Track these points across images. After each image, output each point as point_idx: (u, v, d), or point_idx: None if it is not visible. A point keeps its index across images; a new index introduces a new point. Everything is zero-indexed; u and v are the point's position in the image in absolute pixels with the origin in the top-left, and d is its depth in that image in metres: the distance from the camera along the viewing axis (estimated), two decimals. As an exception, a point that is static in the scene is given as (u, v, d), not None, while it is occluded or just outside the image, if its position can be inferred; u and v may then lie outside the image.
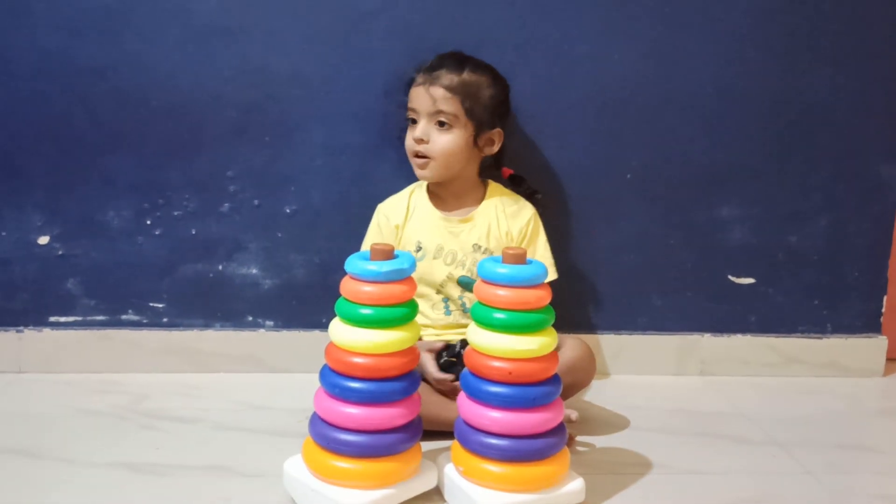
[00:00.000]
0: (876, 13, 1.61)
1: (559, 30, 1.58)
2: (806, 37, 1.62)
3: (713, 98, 1.62)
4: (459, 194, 1.49)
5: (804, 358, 1.71)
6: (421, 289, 1.46)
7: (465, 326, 1.44)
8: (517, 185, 1.54)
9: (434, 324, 1.48)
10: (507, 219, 1.49)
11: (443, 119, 1.42)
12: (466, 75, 1.43)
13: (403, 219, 1.49)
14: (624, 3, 1.58)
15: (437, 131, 1.43)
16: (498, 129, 1.47)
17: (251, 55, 1.54)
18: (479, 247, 1.47)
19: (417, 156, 1.45)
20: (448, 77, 1.42)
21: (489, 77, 1.45)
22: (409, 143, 1.45)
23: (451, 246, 1.47)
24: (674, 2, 1.58)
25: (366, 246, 1.48)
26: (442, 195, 1.50)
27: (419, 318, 1.43)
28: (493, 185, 1.52)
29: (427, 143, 1.43)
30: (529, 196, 1.53)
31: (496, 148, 1.48)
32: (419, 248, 1.47)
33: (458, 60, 1.45)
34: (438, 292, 1.47)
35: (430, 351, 1.39)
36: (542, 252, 1.51)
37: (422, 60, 1.47)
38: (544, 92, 1.58)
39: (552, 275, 1.49)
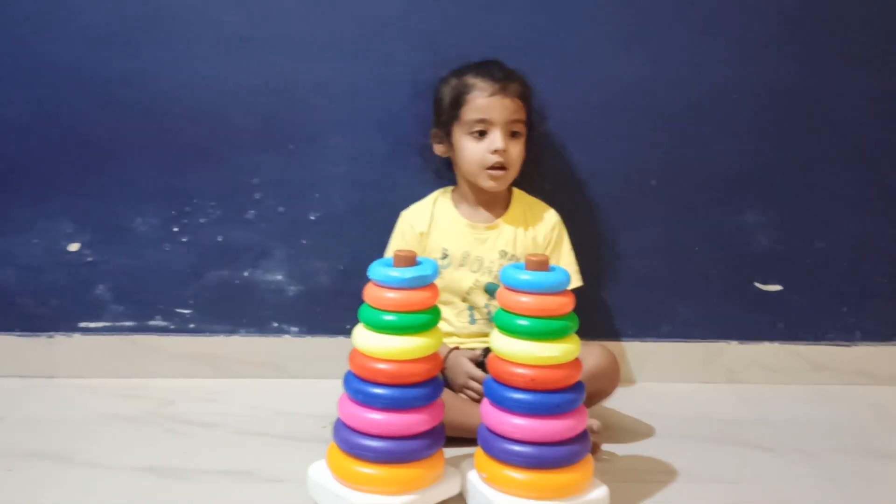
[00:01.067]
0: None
1: (579, 35, 1.57)
2: (830, 39, 1.60)
3: (737, 102, 1.61)
4: (490, 201, 1.49)
5: (832, 365, 1.69)
6: (446, 296, 1.46)
7: (488, 335, 1.44)
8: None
9: (458, 332, 1.47)
10: (533, 225, 1.49)
11: (517, 128, 1.42)
12: (523, 81, 1.44)
13: (428, 226, 1.49)
14: (644, 8, 1.57)
15: (510, 141, 1.42)
16: (534, 136, 1.48)
17: (275, 64, 1.55)
18: (506, 253, 1.46)
19: (495, 167, 1.42)
20: (514, 86, 1.42)
21: (523, 80, 1.46)
22: (485, 155, 1.41)
23: (478, 252, 1.46)
24: (695, 6, 1.57)
25: (389, 254, 1.49)
26: (472, 202, 1.49)
27: (443, 326, 1.44)
28: (518, 192, 1.52)
29: (507, 152, 1.41)
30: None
31: (537, 152, 1.49)
32: (445, 256, 1.47)
33: (505, 68, 1.44)
34: (464, 300, 1.47)
35: (470, 359, 1.40)
36: (566, 258, 1.50)
37: (457, 68, 1.45)
38: (565, 98, 1.58)
39: (577, 281, 1.49)
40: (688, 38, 1.58)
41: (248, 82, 1.55)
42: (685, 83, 1.60)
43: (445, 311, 1.46)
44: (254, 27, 1.54)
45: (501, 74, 1.42)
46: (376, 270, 1.12)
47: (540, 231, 1.49)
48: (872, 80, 1.62)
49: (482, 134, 1.41)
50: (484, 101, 1.40)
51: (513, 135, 1.42)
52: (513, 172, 1.44)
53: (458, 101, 1.42)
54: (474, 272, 1.46)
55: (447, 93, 1.45)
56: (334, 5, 1.54)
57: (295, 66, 1.55)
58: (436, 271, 1.14)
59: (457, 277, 1.46)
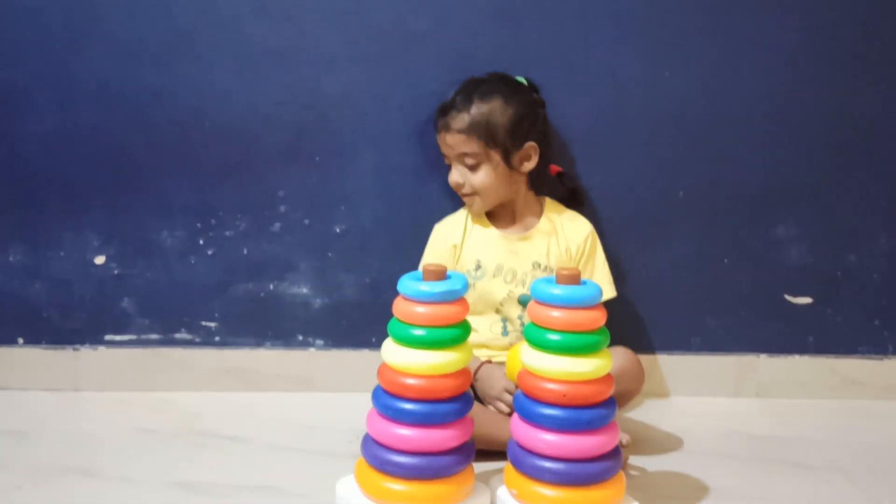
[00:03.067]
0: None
1: (609, 50, 1.56)
2: (860, 51, 1.58)
3: (767, 116, 1.59)
4: (515, 213, 1.50)
5: (865, 380, 1.66)
6: (479, 307, 1.46)
7: None
8: (563, 182, 1.54)
9: (489, 343, 1.46)
10: (566, 236, 1.48)
11: (469, 160, 1.43)
12: (475, 109, 1.42)
13: (461, 238, 1.49)
14: (673, 23, 1.56)
15: (468, 172, 1.44)
16: (530, 143, 1.45)
17: (303, 77, 1.55)
18: (539, 264, 1.46)
19: (462, 194, 1.47)
20: (459, 119, 1.42)
21: (501, 100, 1.43)
22: (450, 184, 1.48)
23: (511, 264, 1.46)
24: (724, 20, 1.56)
25: (423, 266, 1.49)
26: (499, 214, 1.50)
27: (475, 338, 1.43)
28: (550, 202, 1.52)
29: (464, 184, 1.45)
30: (573, 193, 1.54)
31: (534, 161, 1.46)
32: (478, 267, 1.47)
33: (467, 95, 1.43)
34: (497, 312, 1.46)
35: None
36: (600, 269, 1.50)
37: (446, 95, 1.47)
38: (595, 113, 1.57)
39: (611, 292, 1.48)
40: (717, 52, 1.57)
41: (275, 96, 1.56)
42: (715, 97, 1.58)
43: (478, 323, 1.45)
44: (282, 41, 1.54)
45: (449, 106, 1.44)
46: (405, 284, 1.12)
47: (573, 241, 1.48)
48: (904, 91, 1.60)
49: (450, 165, 1.47)
50: (438, 137, 1.47)
51: (470, 166, 1.44)
52: (485, 198, 1.45)
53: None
54: (508, 283, 1.46)
55: None
56: (362, 19, 1.54)
57: (323, 79, 1.56)
58: (465, 285, 1.13)
59: (490, 289, 1.46)
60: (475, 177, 1.44)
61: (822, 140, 1.61)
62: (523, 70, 1.53)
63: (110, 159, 1.57)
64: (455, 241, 1.49)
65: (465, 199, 1.48)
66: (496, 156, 1.43)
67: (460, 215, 1.52)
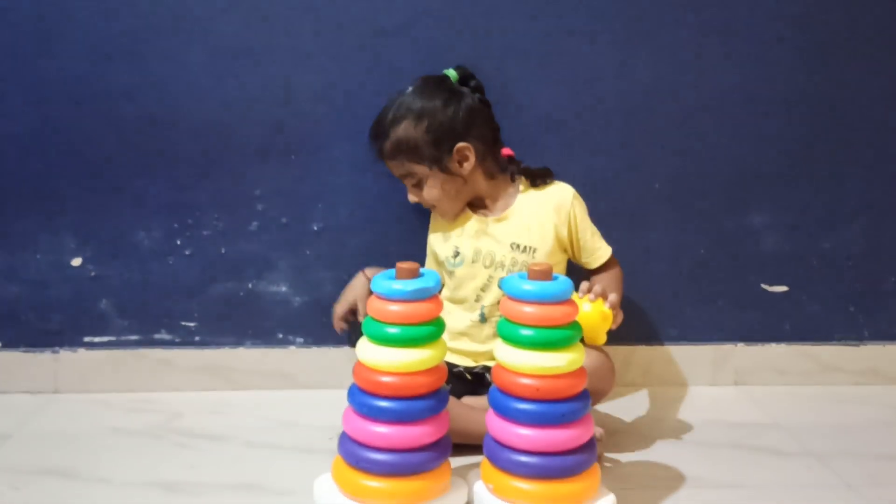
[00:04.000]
0: (907, 12, 1.59)
1: (582, 41, 1.57)
2: (833, 37, 1.59)
3: (740, 104, 1.60)
4: (490, 199, 1.48)
5: (841, 366, 1.68)
6: (461, 295, 1.46)
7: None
8: (512, 166, 1.49)
9: (469, 332, 1.45)
10: (547, 207, 1.45)
11: (410, 180, 1.45)
12: (392, 134, 1.42)
13: (440, 225, 1.51)
14: (646, 13, 1.57)
15: (416, 189, 1.46)
16: (460, 145, 1.41)
17: (276, 74, 1.55)
18: (518, 245, 1.44)
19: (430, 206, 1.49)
20: (384, 148, 1.44)
21: (410, 118, 1.41)
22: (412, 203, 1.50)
23: (489, 247, 1.45)
24: (696, 9, 1.57)
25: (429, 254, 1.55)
26: (474, 203, 1.49)
27: (455, 326, 1.44)
28: (526, 182, 1.48)
29: (419, 201, 1.47)
30: (529, 174, 1.49)
31: (472, 160, 1.42)
32: (457, 254, 1.46)
33: (379, 124, 1.45)
34: (478, 300, 1.45)
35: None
36: (591, 228, 1.48)
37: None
38: (569, 104, 1.58)
39: (608, 249, 1.49)
40: (691, 41, 1.58)
41: (249, 93, 1.55)
42: (688, 87, 1.59)
43: (457, 312, 1.46)
44: (254, 38, 1.54)
45: (373, 137, 1.46)
46: (379, 283, 1.12)
47: (562, 208, 1.45)
48: (877, 80, 1.61)
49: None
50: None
51: (416, 184, 1.45)
52: (442, 205, 1.46)
53: None
54: (487, 268, 1.44)
55: None
56: (335, 14, 1.54)
57: (297, 76, 1.55)
58: (438, 283, 1.13)
59: (470, 274, 1.45)
60: (424, 193, 1.45)
61: (795, 128, 1.62)
62: (496, 63, 1.53)
63: (84, 160, 1.56)
64: (436, 225, 1.52)
65: (433, 212, 1.51)
66: (430, 169, 1.43)
67: None
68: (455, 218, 1.48)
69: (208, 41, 1.54)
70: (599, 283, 1.31)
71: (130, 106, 1.55)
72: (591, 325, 1.24)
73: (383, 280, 1.12)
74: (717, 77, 1.59)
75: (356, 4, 1.54)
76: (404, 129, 1.42)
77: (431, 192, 1.45)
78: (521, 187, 1.48)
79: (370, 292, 1.19)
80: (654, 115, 1.60)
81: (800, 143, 1.63)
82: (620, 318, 1.30)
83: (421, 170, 1.43)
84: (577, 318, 1.18)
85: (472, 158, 1.43)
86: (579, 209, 1.47)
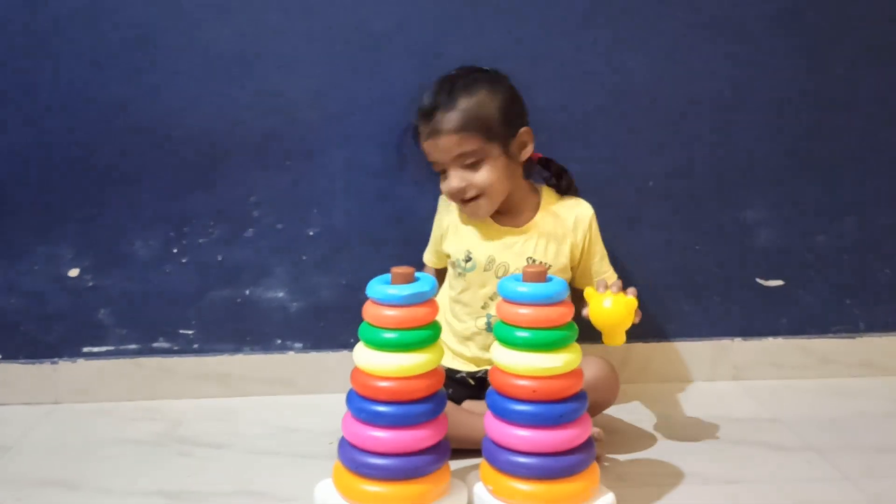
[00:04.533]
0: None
1: (573, 41, 1.57)
2: (824, 33, 1.60)
3: (732, 99, 1.61)
4: (513, 205, 1.41)
5: (838, 358, 1.69)
6: (467, 299, 1.42)
7: None
8: (547, 168, 1.47)
9: (474, 338, 1.42)
10: (566, 225, 1.42)
11: (469, 160, 1.33)
12: (464, 104, 1.32)
13: (456, 219, 1.44)
14: (637, 11, 1.57)
15: (470, 172, 1.34)
16: (525, 129, 1.37)
17: (269, 81, 1.55)
18: (534, 260, 1.40)
19: (465, 201, 1.37)
20: (448, 119, 1.32)
21: (486, 90, 1.34)
22: (448, 192, 1.37)
23: (504, 258, 1.40)
24: (688, 6, 1.57)
25: (431, 241, 1.51)
26: (504, 208, 1.41)
27: (461, 329, 1.43)
28: (547, 191, 1.45)
29: (466, 188, 1.35)
30: (560, 177, 1.45)
31: (531, 147, 1.39)
32: (469, 259, 1.41)
33: (448, 92, 1.34)
34: (484, 307, 1.42)
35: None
36: (601, 252, 1.45)
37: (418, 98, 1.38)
38: (562, 104, 1.58)
39: (614, 275, 1.45)
40: (684, 38, 1.58)
41: (242, 101, 1.56)
42: (680, 83, 1.60)
43: (465, 316, 1.43)
44: (246, 46, 1.54)
45: (433, 108, 1.33)
46: (374, 288, 1.12)
47: (580, 227, 1.42)
48: (869, 75, 1.61)
49: (443, 172, 1.37)
50: (425, 145, 1.36)
51: (470, 165, 1.34)
52: (491, 195, 1.36)
53: (417, 143, 1.40)
54: (499, 278, 1.39)
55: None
56: (327, 20, 1.54)
57: (289, 82, 1.56)
58: (434, 287, 1.13)
59: (480, 282, 1.40)
60: (478, 176, 1.34)
61: (787, 122, 1.62)
62: (488, 64, 1.53)
63: (80, 171, 1.57)
64: (450, 221, 1.44)
65: (468, 206, 1.37)
66: (496, 149, 1.34)
67: None
68: (487, 214, 1.40)
69: (201, 49, 1.54)
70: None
71: (124, 116, 1.55)
72: (617, 320, 1.21)
73: (378, 285, 1.12)
74: (711, 73, 1.60)
75: (347, 10, 1.54)
76: (479, 101, 1.32)
77: (488, 176, 1.34)
78: (544, 197, 1.44)
79: None
80: (647, 113, 1.60)
81: (793, 139, 1.63)
82: (639, 316, 1.26)
83: (488, 149, 1.32)
84: (599, 316, 1.18)
85: (531, 146, 1.38)
86: (595, 232, 1.43)
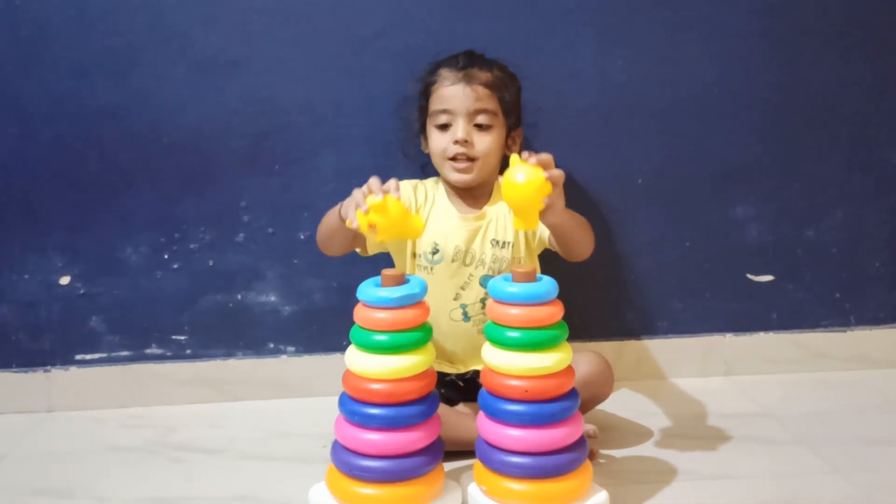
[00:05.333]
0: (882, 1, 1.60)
1: (561, 40, 1.58)
2: (810, 29, 1.61)
3: (719, 97, 1.61)
4: (478, 196, 1.45)
5: (829, 352, 1.70)
6: (437, 293, 1.39)
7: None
8: None
9: (452, 332, 1.42)
10: None
11: (483, 119, 1.37)
12: (497, 71, 1.40)
13: (424, 206, 1.44)
14: (624, 10, 1.58)
15: (476, 133, 1.37)
16: (520, 129, 1.45)
17: (257, 86, 1.56)
18: (498, 241, 1.41)
19: (459, 158, 1.38)
20: (483, 74, 1.38)
21: (510, 74, 1.44)
22: (447, 146, 1.38)
23: (470, 245, 1.41)
24: (674, 5, 1.58)
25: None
26: (462, 196, 1.44)
27: (436, 331, 1.42)
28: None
29: (470, 144, 1.37)
30: None
31: (516, 150, 1.43)
32: (436, 251, 1.41)
33: (481, 58, 1.42)
34: (455, 298, 1.42)
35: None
36: None
37: (429, 63, 1.45)
38: (550, 103, 1.58)
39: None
40: (668, 36, 1.59)
41: (231, 106, 1.56)
42: (667, 81, 1.60)
43: (434, 314, 1.43)
44: (233, 51, 1.54)
45: (467, 62, 1.39)
46: (364, 291, 1.13)
47: None
48: (856, 68, 1.62)
49: (446, 126, 1.38)
50: (447, 90, 1.38)
51: (480, 126, 1.37)
52: (482, 166, 1.38)
53: (427, 93, 1.42)
54: (467, 266, 1.41)
55: (421, 84, 1.45)
56: (313, 24, 1.54)
57: (277, 86, 1.56)
58: (424, 289, 1.14)
59: (449, 273, 1.41)
60: (483, 139, 1.37)
61: (775, 118, 1.63)
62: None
63: (69, 178, 1.56)
64: (419, 204, 1.44)
65: (459, 166, 1.38)
66: (502, 125, 1.39)
67: (429, 186, 1.47)
68: (472, 183, 1.40)
69: (188, 55, 1.54)
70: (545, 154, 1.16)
71: (112, 122, 1.55)
72: (525, 196, 1.11)
73: (369, 288, 1.13)
74: (698, 71, 1.60)
75: (334, 14, 1.54)
76: (505, 77, 1.41)
77: (491, 144, 1.38)
78: (496, 186, 1.45)
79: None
80: (635, 111, 1.61)
81: (780, 135, 1.64)
82: (560, 202, 1.17)
83: (499, 120, 1.39)
84: (509, 188, 1.11)
85: (516, 150, 1.44)
86: None
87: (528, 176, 1.12)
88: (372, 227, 1.12)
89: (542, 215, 1.15)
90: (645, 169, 1.63)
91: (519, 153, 1.22)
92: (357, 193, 1.17)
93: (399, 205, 1.14)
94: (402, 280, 1.13)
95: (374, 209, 1.12)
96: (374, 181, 1.17)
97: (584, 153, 1.61)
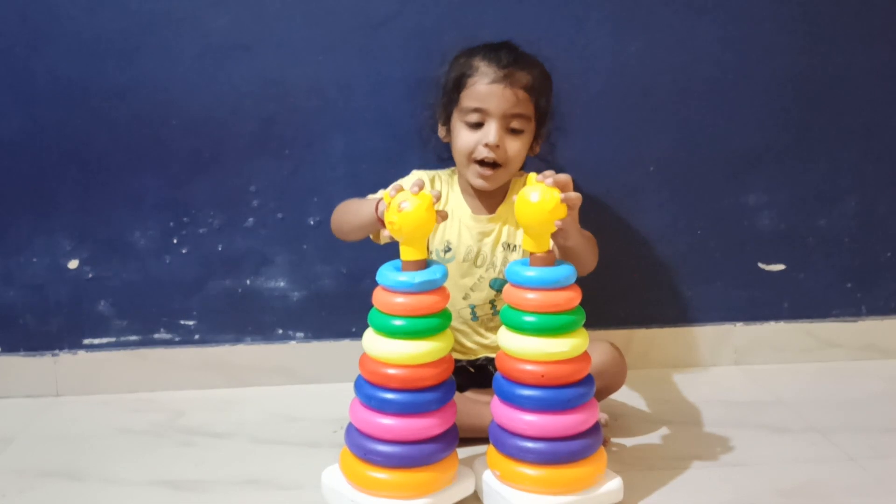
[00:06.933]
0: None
1: (574, 25, 1.56)
2: (825, 13, 1.59)
3: (732, 83, 1.60)
4: (494, 196, 1.40)
5: (840, 341, 1.69)
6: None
7: (488, 343, 1.42)
8: None
9: (460, 328, 1.42)
10: None
11: (517, 124, 1.30)
12: (536, 71, 1.32)
13: (440, 206, 1.33)
14: (637, -5, 1.56)
15: (508, 136, 1.31)
16: (544, 131, 1.38)
17: (267, 68, 1.54)
18: (510, 245, 1.39)
19: (486, 163, 1.32)
20: (524, 76, 1.30)
21: (547, 75, 1.36)
22: (476, 147, 1.31)
23: (481, 247, 1.39)
24: (687, -10, 1.57)
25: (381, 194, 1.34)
26: (478, 196, 1.40)
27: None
28: (515, 179, 1.42)
29: (500, 149, 1.31)
30: None
31: (536, 152, 1.41)
32: (448, 250, 1.40)
33: (522, 55, 1.33)
34: (465, 298, 1.41)
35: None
36: None
37: (472, 47, 1.36)
38: (562, 89, 1.55)
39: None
40: (681, 21, 1.58)
41: (241, 88, 1.54)
42: (680, 67, 1.59)
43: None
44: (244, 32, 1.53)
45: (510, 60, 1.30)
46: (385, 275, 1.11)
47: None
48: (870, 59, 1.61)
49: (478, 125, 1.32)
50: (484, 87, 1.30)
51: (512, 130, 1.31)
52: (507, 172, 1.34)
53: (459, 84, 1.33)
54: (478, 268, 1.40)
55: (452, 72, 1.36)
56: (325, 6, 1.53)
57: (288, 69, 1.54)
58: (445, 275, 1.12)
59: (459, 274, 1.39)
60: (513, 144, 1.30)
61: (788, 105, 1.62)
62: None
63: (77, 161, 1.55)
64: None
65: (484, 171, 1.32)
66: (532, 129, 1.33)
67: (444, 179, 1.43)
68: (495, 186, 1.36)
69: (198, 37, 1.52)
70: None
71: (122, 104, 1.54)
72: (537, 217, 1.09)
73: (389, 271, 1.11)
74: (711, 57, 1.59)
75: (345, -5, 1.53)
76: (545, 80, 1.34)
77: (520, 150, 1.32)
78: (512, 186, 1.41)
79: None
80: (647, 97, 1.60)
81: (793, 122, 1.63)
82: (574, 227, 1.17)
83: (530, 125, 1.32)
84: (522, 207, 1.09)
85: (536, 152, 1.40)
86: None
87: (543, 196, 1.10)
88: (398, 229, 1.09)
89: (554, 237, 1.14)
90: (657, 156, 1.62)
91: (537, 163, 1.16)
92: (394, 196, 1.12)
93: (430, 202, 1.11)
94: (423, 265, 1.11)
95: (405, 212, 1.09)
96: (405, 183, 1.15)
97: (595, 138, 1.60)
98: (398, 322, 1.10)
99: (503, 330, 1.15)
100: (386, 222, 1.11)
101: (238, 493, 1.23)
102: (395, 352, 1.09)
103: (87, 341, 1.60)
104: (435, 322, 1.11)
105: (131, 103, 1.54)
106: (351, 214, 1.32)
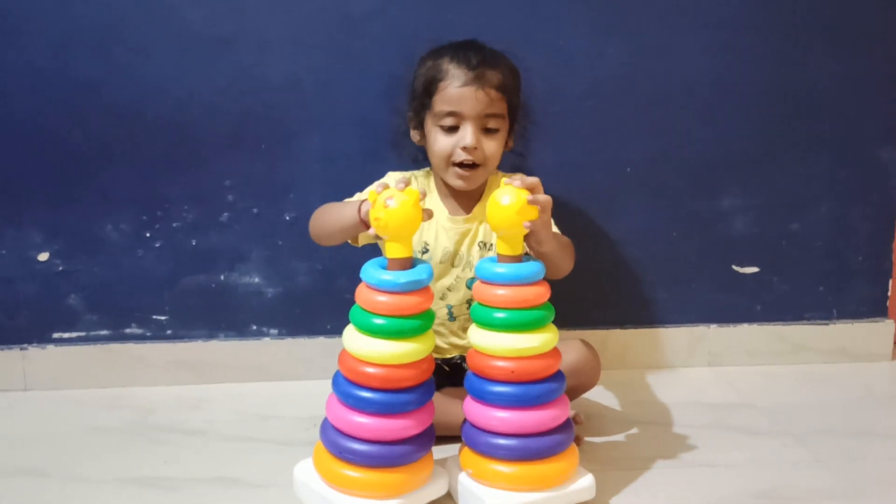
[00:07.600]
0: (871, -5, 1.61)
1: (552, 28, 1.57)
2: (800, 22, 1.60)
3: (709, 89, 1.61)
4: (471, 196, 1.39)
5: (812, 345, 1.70)
6: None
7: (464, 344, 1.41)
8: None
9: (438, 329, 1.42)
10: None
11: (492, 124, 1.30)
12: (505, 69, 1.31)
13: None
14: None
15: (484, 137, 1.30)
16: (514, 126, 1.38)
17: (245, 63, 1.53)
18: (486, 244, 1.39)
19: (465, 165, 1.32)
20: (494, 75, 1.29)
21: (515, 69, 1.35)
22: (454, 151, 1.31)
23: (458, 248, 1.39)
24: (666, -6, 1.58)
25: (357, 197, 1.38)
26: (455, 197, 1.40)
27: None
28: (491, 178, 1.41)
29: (478, 150, 1.30)
30: None
31: (510, 147, 1.40)
32: (425, 251, 1.39)
33: (489, 53, 1.32)
34: (442, 298, 1.40)
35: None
36: None
37: (438, 47, 1.36)
38: (540, 90, 1.56)
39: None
40: (659, 25, 1.58)
41: (217, 83, 1.53)
42: (658, 71, 1.60)
43: None
44: (221, 27, 1.51)
45: (479, 60, 1.29)
46: (369, 273, 1.09)
47: None
48: (842, 61, 1.62)
49: (453, 128, 1.31)
50: (456, 91, 1.29)
51: (488, 130, 1.31)
52: (486, 171, 1.34)
53: (430, 88, 1.32)
54: (455, 267, 1.39)
55: (421, 76, 1.35)
56: (303, 2, 1.52)
57: (265, 64, 1.53)
58: (430, 275, 1.11)
59: (437, 274, 1.38)
60: (490, 144, 1.30)
61: (763, 111, 1.63)
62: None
63: (50, 153, 1.53)
64: None
65: (463, 172, 1.32)
66: (506, 127, 1.33)
67: (420, 181, 1.43)
68: (474, 186, 1.36)
69: (174, 29, 1.51)
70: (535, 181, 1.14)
71: (95, 98, 1.52)
72: (506, 218, 1.10)
73: (373, 269, 1.10)
74: (685, 63, 1.60)
75: (324, -9, 1.53)
76: (514, 74, 1.34)
77: (496, 149, 1.31)
78: (487, 183, 1.41)
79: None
80: (625, 101, 1.60)
81: (768, 128, 1.64)
82: (546, 230, 1.16)
83: (504, 123, 1.32)
84: (492, 209, 1.10)
85: (510, 146, 1.39)
86: None
87: (511, 198, 1.10)
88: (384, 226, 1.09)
89: (528, 242, 1.15)
90: (633, 158, 1.63)
91: (512, 158, 1.16)
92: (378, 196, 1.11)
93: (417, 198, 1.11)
94: (409, 263, 1.10)
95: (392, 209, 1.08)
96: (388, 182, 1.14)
97: (572, 141, 1.60)
98: (380, 321, 1.08)
99: (473, 327, 1.15)
100: (371, 219, 1.10)
101: (208, 491, 1.22)
102: (376, 351, 1.08)
103: (56, 335, 1.58)
104: (417, 323, 1.09)
105: (105, 96, 1.52)
106: (332, 217, 1.30)
